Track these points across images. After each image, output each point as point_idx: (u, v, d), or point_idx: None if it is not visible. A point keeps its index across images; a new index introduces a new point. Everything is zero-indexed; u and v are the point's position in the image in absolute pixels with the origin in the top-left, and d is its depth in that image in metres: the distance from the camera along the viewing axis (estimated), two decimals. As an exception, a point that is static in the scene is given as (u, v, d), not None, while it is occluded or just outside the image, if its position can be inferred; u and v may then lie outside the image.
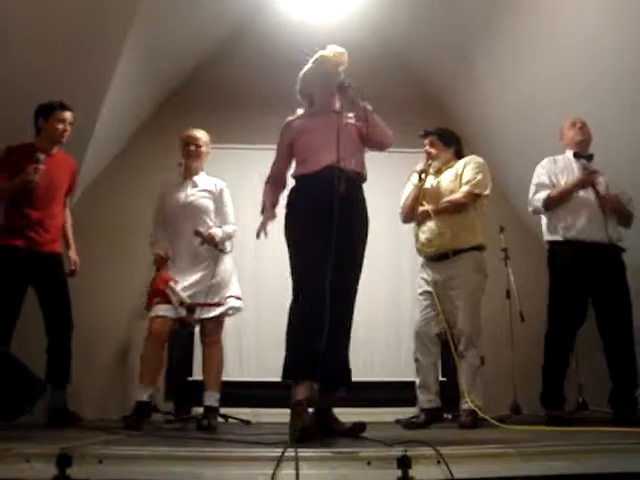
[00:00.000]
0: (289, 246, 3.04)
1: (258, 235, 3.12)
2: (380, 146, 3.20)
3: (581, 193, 3.93)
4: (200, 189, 4.03)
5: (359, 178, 3.13)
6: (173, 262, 3.89)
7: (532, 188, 4.14)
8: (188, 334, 4.66)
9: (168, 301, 3.73)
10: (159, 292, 3.77)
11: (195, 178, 4.06)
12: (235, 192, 5.69)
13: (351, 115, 3.20)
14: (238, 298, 4.00)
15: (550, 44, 4.56)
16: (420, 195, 3.98)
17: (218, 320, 3.92)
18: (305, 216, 2.96)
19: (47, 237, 3.88)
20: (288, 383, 2.80)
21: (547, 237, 4.10)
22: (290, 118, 3.29)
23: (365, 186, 3.17)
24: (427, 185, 4.04)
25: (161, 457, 2.06)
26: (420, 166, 4.02)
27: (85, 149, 5.01)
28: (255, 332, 5.55)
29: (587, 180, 3.92)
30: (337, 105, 3.24)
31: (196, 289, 3.81)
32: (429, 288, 3.93)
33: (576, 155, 4.07)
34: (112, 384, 5.28)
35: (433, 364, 3.94)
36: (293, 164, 3.25)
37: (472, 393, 3.73)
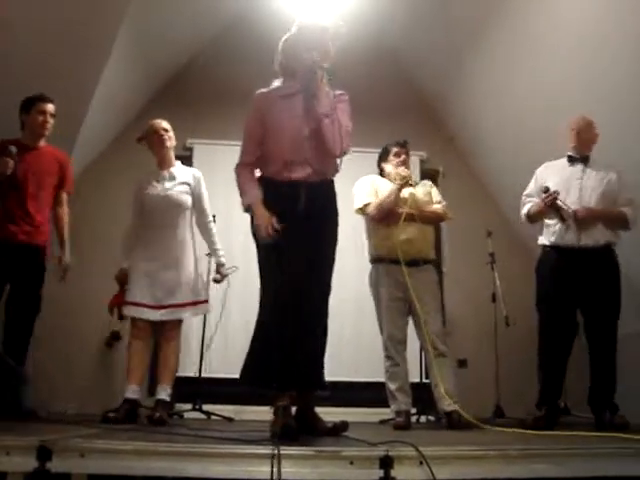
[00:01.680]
0: (257, 247, 2.90)
1: (263, 239, 2.75)
2: (329, 152, 2.84)
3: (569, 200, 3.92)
4: (178, 182, 3.91)
5: (328, 183, 2.97)
6: (145, 253, 3.82)
7: (522, 198, 4.17)
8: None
9: (134, 303, 3.74)
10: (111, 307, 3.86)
11: (172, 170, 3.94)
12: (225, 187, 5.70)
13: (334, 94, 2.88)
14: (206, 301, 3.94)
15: (543, 50, 4.60)
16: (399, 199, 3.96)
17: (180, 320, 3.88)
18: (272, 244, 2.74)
19: (28, 229, 3.83)
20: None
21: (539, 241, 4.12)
22: (264, 90, 2.97)
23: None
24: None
25: (143, 452, 2.05)
26: (406, 172, 3.99)
27: (74, 141, 4.99)
28: (240, 329, 5.52)
29: (547, 203, 3.86)
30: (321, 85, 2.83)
31: (166, 287, 3.75)
32: (401, 294, 3.92)
33: (570, 158, 4.07)
34: (94, 379, 5.26)
35: (406, 368, 3.97)
36: None
37: (454, 395, 3.77)
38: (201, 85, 5.95)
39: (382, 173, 4.20)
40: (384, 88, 5.80)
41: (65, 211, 4.13)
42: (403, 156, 4.13)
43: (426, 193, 4.14)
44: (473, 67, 5.46)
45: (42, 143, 3.98)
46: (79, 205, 4.71)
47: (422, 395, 4.62)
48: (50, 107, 3.92)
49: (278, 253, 2.73)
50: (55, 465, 1.99)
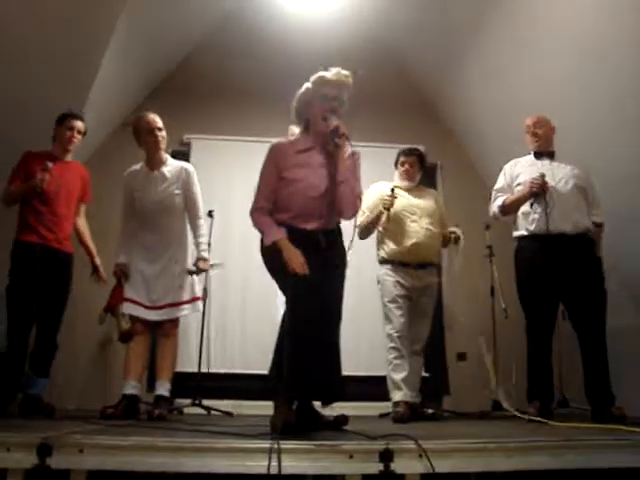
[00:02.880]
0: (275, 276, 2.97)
1: (293, 273, 2.71)
2: (339, 214, 2.93)
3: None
4: (171, 183, 3.87)
5: (338, 229, 3.04)
6: (143, 254, 3.83)
7: (492, 193, 4.19)
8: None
9: (132, 301, 3.76)
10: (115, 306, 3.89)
11: (163, 169, 3.88)
12: (222, 182, 5.70)
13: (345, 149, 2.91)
14: (198, 299, 3.94)
15: (539, 48, 4.62)
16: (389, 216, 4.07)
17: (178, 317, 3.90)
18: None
19: (59, 235, 3.98)
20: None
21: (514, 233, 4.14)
22: (282, 141, 3.05)
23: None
24: (406, 200, 4.20)
25: (143, 447, 2.06)
26: (388, 200, 4.03)
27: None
28: (239, 325, 5.54)
29: (537, 186, 3.88)
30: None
31: (162, 287, 3.77)
32: (405, 292, 4.09)
33: (536, 155, 4.11)
34: (94, 375, 5.26)
35: (409, 362, 4.03)
36: None
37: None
38: (197, 80, 5.93)
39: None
40: (383, 83, 5.78)
41: (84, 222, 4.31)
42: (406, 166, 4.30)
43: (434, 206, 4.28)
44: (472, 62, 5.45)
45: (69, 157, 4.16)
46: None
47: (422, 389, 4.64)
48: (79, 124, 4.11)
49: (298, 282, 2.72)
50: (55, 461, 2.01)
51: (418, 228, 4.11)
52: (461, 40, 5.32)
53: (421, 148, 4.66)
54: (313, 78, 2.96)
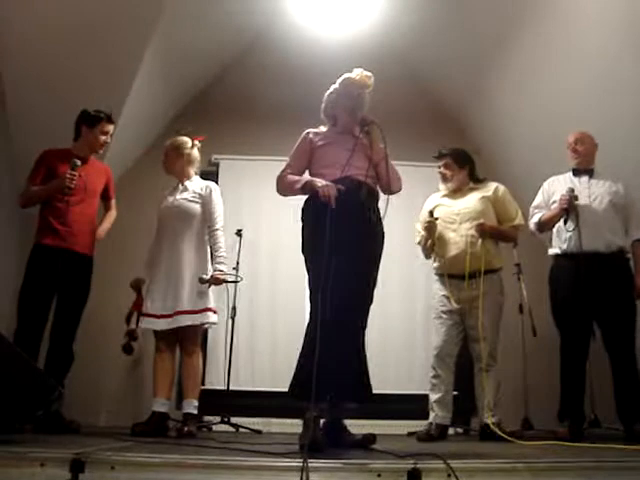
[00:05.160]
0: (306, 260, 3.02)
1: (328, 204, 2.84)
2: (388, 189, 3.16)
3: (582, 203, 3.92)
4: (190, 192, 3.96)
5: (375, 192, 3.14)
6: (159, 264, 3.86)
7: (530, 210, 4.19)
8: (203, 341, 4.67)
9: (146, 315, 3.79)
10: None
11: (187, 182, 4.01)
12: (250, 202, 5.75)
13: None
14: (215, 312, 3.90)
15: (564, 58, 4.60)
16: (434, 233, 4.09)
17: (198, 328, 3.85)
18: (321, 228, 2.79)
19: (79, 239, 3.88)
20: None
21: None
22: (311, 129, 3.27)
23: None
24: (445, 208, 4.17)
25: (173, 464, 2.07)
26: (426, 224, 4.10)
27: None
28: (269, 342, 5.56)
29: (565, 203, 3.89)
30: (357, 131, 3.18)
31: (174, 296, 3.75)
32: (452, 306, 4.01)
33: (575, 172, 4.09)
34: (124, 391, 5.32)
35: (451, 382, 4.04)
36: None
37: (495, 408, 3.90)
38: (226, 101, 6.01)
39: None
40: (406, 101, 5.81)
41: (114, 213, 4.26)
42: (441, 169, 4.26)
43: (483, 201, 4.13)
44: (493, 78, 5.46)
45: (91, 156, 4.07)
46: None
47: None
48: (112, 128, 4.06)
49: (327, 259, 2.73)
50: (87, 477, 2.02)
51: (458, 238, 4.03)
52: (484, 56, 5.33)
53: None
54: (339, 79, 3.28)
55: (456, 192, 4.20)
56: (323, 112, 3.33)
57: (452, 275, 4.06)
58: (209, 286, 3.82)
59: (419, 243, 4.25)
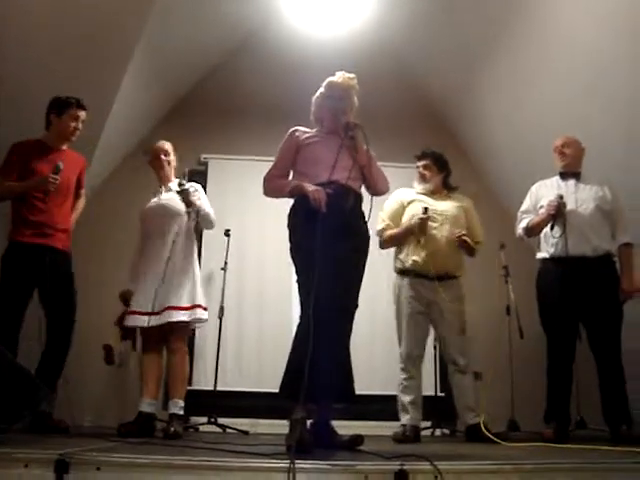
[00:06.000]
0: (293, 260, 3.01)
1: (318, 209, 2.87)
2: (375, 190, 3.20)
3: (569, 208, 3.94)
4: (173, 192, 3.92)
5: (360, 196, 3.14)
6: (145, 263, 3.83)
7: (518, 215, 4.20)
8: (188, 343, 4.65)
9: (140, 313, 3.73)
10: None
11: (170, 184, 4.01)
12: (239, 201, 5.73)
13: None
14: (205, 309, 3.87)
15: (552, 62, 4.64)
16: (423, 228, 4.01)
17: (186, 327, 3.82)
18: (309, 232, 2.83)
19: (60, 234, 3.81)
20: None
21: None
22: (299, 127, 3.29)
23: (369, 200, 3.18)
24: (417, 207, 4.10)
25: (159, 465, 2.06)
26: (424, 217, 4.00)
27: (91, 157, 5.05)
28: (255, 343, 5.55)
29: (552, 209, 3.90)
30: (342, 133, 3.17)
31: (162, 293, 3.70)
32: (422, 308, 4.00)
33: (562, 175, 4.11)
34: (110, 391, 5.28)
35: (421, 384, 4.05)
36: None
37: (477, 407, 3.90)
38: (215, 101, 6.00)
39: None
40: (396, 102, 5.83)
41: (83, 201, 4.12)
42: (420, 169, 4.24)
43: (459, 212, 4.15)
44: (485, 83, 5.49)
45: (64, 146, 3.92)
46: (91, 223, 4.75)
47: (437, 408, 4.61)
48: (83, 114, 3.88)
49: (313, 264, 2.74)
50: (72, 478, 2.01)
51: (438, 237, 4.00)
52: (476, 59, 5.37)
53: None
54: (325, 82, 3.29)
55: (434, 193, 4.20)
56: (312, 115, 3.35)
57: (421, 275, 3.99)
58: (183, 198, 3.82)
59: (382, 232, 4.14)
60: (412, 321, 4.01)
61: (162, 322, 3.69)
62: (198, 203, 3.88)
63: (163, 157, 4.05)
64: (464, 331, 4.05)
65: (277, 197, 3.23)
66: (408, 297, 4.02)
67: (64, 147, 3.92)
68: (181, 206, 3.89)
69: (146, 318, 3.70)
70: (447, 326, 4.00)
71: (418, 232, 3.98)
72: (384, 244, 4.17)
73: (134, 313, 3.75)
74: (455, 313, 4.02)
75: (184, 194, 3.83)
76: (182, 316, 3.72)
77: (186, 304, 3.75)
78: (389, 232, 4.12)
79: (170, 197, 3.94)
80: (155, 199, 4.00)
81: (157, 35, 4.78)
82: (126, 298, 3.91)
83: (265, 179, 3.23)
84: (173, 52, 5.32)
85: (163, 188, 4.03)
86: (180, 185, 3.83)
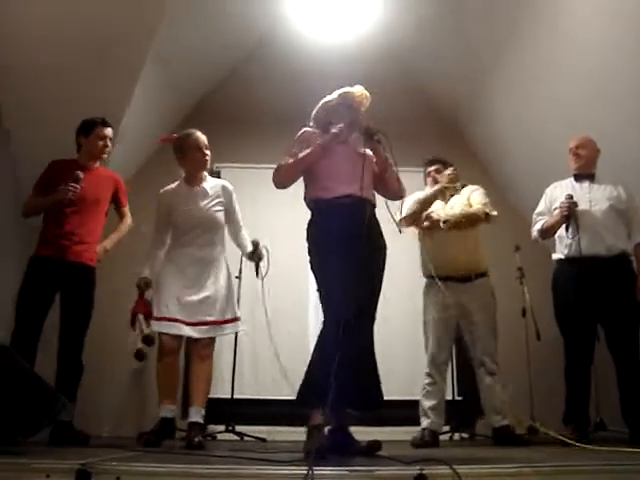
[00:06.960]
0: (315, 273, 3.03)
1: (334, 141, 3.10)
2: (393, 195, 3.28)
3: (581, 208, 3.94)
4: (212, 199, 3.84)
5: (374, 207, 3.17)
6: (180, 273, 3.75)
7: (533, 217, 4.20)
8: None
9: (167, 319, 3.65)
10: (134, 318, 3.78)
11: (204, 185, 3.88)
12: (252, 211, 5.75)
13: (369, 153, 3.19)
14: (238, 320, 3.86)
15: (562, 66, 4.63)
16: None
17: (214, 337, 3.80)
18: (331, 243, 2.89)
19: (80, 248, 3.84)
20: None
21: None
22: (309, 129, 3.29)
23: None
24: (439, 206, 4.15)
25: (179, 474, 2.07)
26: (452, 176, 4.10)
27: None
28: (272, 350, 5.55)
29: (565, 210, 3.91)
30: (359, 143, 3.18)
31: (201, 305, 3.68)
32: (449, 312, 3.99)
33: (576, 177, 4.10)
34: (129, 401, 5.30)
35: (445, 389, 4.08)
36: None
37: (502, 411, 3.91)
38: (228, 109, 6.02)
39: None
40: (405, 107, 5.83)
41: (128, 221, 4.21)
42: (432, 174, 4.30)
43: (466, 203, 4.16)
44: (495, 85, 5.48)
45: (97, 165, 4.06)
46: (106, 229, 4.77)
47: (455, 412, 4.59)
48: (109, 131, 4.01)
49: (335, 279, 2.81)
50: (93, 487, 2.03)
51: (455, 238, 4.01)
52: (484, 61, 5.35)
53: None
54: (341, 91, 3.32)
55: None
56: (314, 119, 3.36)
57: (447, 277, 3.99)
58: (256, 259, 3.92)
59: (411, 216, 4.11)
60: (437, 326, 4.04)
61: (208, 335, 3.68)
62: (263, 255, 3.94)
63: (207, 153, 3.87)
64: (495, 332, 4.05)
65: (293, 177, 3.19)
66: (432, 300, 4.06)
67: (96, 165, 4.04)
68: (222, 218, 3.87)
69: (187, 328, 3.64)
70: (477, 328, 4.00)
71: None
72: (408, 219, 4.11)
73: (169, 320, 3.64)
74: (485, 314, 4.02)
75: (256, 259, 3.92)
76: (228, 330, 3.77)
77: (229, 317, 3.77)
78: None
79: (208, 204, 3.82)
80: (191, 205, 3.80)
81: (166, 47, 4.81)
82: (146, 286, 3.78)
83: (277, 168, 3.19)
84: (184, 63, 5.36)
85: (198, 190, 3.86)
86: (254, 245, 3.87)
